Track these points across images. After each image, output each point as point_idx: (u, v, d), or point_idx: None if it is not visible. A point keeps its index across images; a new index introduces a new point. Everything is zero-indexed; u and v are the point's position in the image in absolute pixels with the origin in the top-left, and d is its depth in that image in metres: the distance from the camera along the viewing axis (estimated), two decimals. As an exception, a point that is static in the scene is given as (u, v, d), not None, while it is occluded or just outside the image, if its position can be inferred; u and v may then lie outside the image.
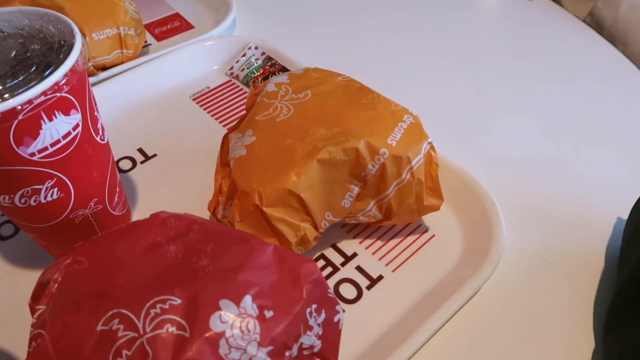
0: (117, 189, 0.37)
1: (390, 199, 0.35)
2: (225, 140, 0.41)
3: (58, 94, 0.28)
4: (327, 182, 0.34)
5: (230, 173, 0.35)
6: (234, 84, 0.54)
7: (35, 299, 0.28)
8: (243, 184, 0.34)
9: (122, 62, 0.53)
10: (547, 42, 0.60)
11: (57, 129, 0.29)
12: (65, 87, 0.29)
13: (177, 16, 0.64)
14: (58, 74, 0.28)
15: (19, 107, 0.27)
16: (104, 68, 0.52)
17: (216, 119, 0.50)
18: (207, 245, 0.27)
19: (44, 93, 0.27)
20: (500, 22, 0.64)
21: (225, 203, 0.36)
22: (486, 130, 0.49)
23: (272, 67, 0.53)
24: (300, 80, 0.40)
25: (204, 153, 0.46)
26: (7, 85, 0.28)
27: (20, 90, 0.27)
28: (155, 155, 0.46)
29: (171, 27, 0.62)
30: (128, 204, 0.41)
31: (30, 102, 0.27)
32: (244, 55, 0.55)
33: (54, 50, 0.30)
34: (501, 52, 0.59)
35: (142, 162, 0.46)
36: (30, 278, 0.38)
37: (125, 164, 0.46)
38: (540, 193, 0.42)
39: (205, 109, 0.51)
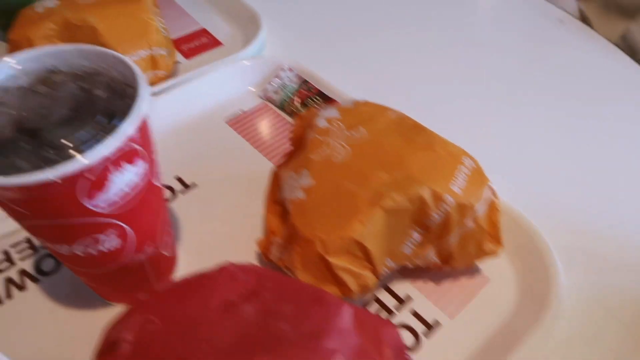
0: (168, 229, 0.37)
1: (451, 246, 0.34)
2: (275, 177, 0.40)
3: (127, 147, 0.27)
4: (390, 229, 0.33)
5: (289, 216, 0.35)
6: (269, 107, 0.53)
7: (103, 357, 0.27)
8: (305, 230, 0.33)
9: (155, 84, 0.52)
10: (579, 67, 0.59)
11: (124, 180, 0.28)
12: (135, 138, 0.28)
13: (204, 32, 0.62)
14: (130, 129, 0.27)
15: (89, 164, 0.26)
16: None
17: (254, 144, 0.49)
18: (285, 306, 0.27)
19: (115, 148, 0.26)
20: (531, 45, 0.63)
21: (282, 246, 0.35)
22: (531, 165, 0.48)
23: (308, 90, 0.52)
24: (351, 116, 0.39)
25: (247, 183, 0.45)
26: (75, 138, 0.26)
27: (90, 145, 0.26)
28: (194, 184, 0.45)
29: (199, 43, 0.60)
30: (175, 241, 0.40)
31: (101, 158, 0.26)
32: (278, 77, 0.54)
33: (118, 95, 0.29)
34: (533, 79, 0.58)
35: (182, 192, 0.45)
36: (74, 317, 0.37)
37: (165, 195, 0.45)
38: (596, 233, 0.42)
39: (241, 134, 0.50)
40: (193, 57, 0.59)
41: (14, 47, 0.48)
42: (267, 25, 0.59)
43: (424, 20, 0.66)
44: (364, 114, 0.39)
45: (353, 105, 0.41)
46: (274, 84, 0.53)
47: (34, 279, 0.40)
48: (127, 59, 0.30)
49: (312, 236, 0.33)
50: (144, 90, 0.28)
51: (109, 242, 0.30)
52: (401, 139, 0.37)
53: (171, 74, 0.54)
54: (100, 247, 0.30)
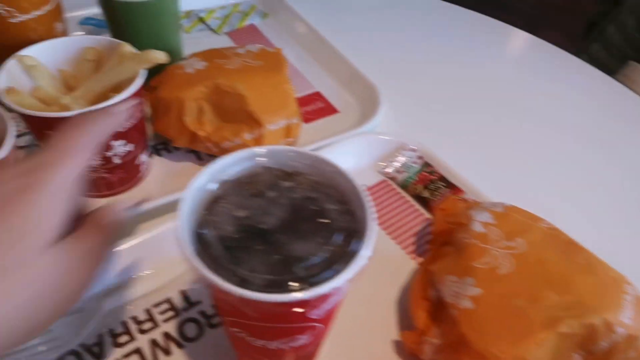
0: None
1: (610, 371, 0.35)
2: (425, 273, 0.41)
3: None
4: (557, 351, 0.34)
5: (457, 324, 0.36)
6: (390, 185, 0.54)
7: None
8: (477, 343, 0.34)
9: (284, 150, 0.53)
10: None
11: (342, 293, 0.29)
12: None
13: (318, 96, 0.64)
14: (366, 254, 0.28)
15: (328, 291, 0.26)
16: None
17: (379, 224, 0.50)
18: None
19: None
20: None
21: (439, 349, 0.36)
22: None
23: (430, 174, 0.54)
24: (506, 223, 0.41)
25: (377, 265, 0.45)
26: (310, 257, 0.27)
27: (325, 268, 0.27)
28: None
29: (315, 107, 0.62)
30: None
31: (339, 285, 0.27)
32: (401, 155, 0.55)
33: (343, 211, 0.30)
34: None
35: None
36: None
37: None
38: None
39: (366, 211, 0.51)
40: (311, 121, 0.60)
41: (163, 105, 0.50)
42: (384, 95, 0.61)
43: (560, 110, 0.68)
44: (518, 222, 0.41)
45: (504, 211, 0.42)
46: (396, 163, 0.55)
47: (178, 344, 0.41)
48: (347, 174, 0.31)
49: (485, 352, 0.34)
50: (371, 212, 0.29)
51: (304, 339, 0.32)
52: (561, 257, 0.38)
53: (297, 139, 0.55)
54: (294, 344, 0.32)
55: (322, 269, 0.27)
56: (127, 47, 0.46)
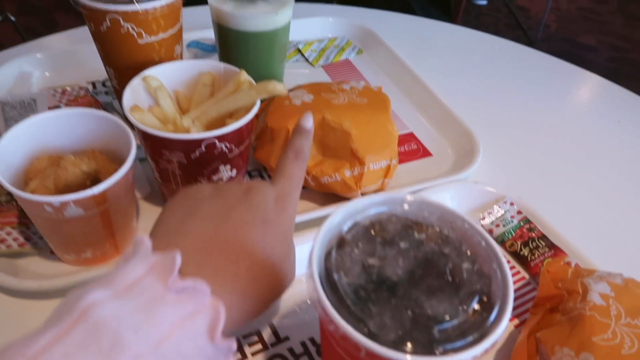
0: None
1: None
2: (532, 340, 0.39)
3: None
4: None
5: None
6: (486, 237, 0.52)
7: None
8: None
9: (380, 190, 0.53)
10: None
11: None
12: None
13: (412, 137, 0.63)
14: (504, 325, 0.26)
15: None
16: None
17: (474, 278, 0.48)
18: None
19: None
20: None
21: None
22: None
23: (530, 231, 0.51)
24: (627, 298, 0.38)
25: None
26: (448, 328, 0.26)
27: (462, 342, 0.25)
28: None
29: (409, 149, 0.61)
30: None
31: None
32: (499, 208, 0.53)
33: (478, 272, 0.29)
34: None
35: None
36: None
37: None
38: None
39: (460, 263, 0.49)
40: (404, 162, 0.59)
41: (269, 134, 0.51)
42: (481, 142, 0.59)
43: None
44: (638, 297, 0.38)
45: (624, 283, 0.39)
46: (493, 215, 0.53)
47: (267, 379, 0.40)
48: (483, 232, 0.30)
49: None
50: (511, 279, 0.28)
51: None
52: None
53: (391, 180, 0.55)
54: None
55: (456, 335, 0.26)
56: (245, 76, 0.47)
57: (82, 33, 0.76)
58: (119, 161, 0.45)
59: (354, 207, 0.30)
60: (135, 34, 0.49)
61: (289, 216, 0.33)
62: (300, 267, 0.47)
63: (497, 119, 0.70)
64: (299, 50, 0.75)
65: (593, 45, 2.63)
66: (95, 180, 0.44)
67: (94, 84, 0.66)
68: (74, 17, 2.41)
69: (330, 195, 0.53)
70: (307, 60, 0.74)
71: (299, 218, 0.50)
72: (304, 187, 0.54)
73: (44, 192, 0.41)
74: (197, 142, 0.43)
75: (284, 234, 0.33)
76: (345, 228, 0.30)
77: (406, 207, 0.31)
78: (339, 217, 0.30)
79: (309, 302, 0.45)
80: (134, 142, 0.42)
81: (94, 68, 0.67)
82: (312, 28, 0.78)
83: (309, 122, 0.36)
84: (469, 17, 2.78)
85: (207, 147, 0.43)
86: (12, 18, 1.57)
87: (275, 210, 0.32)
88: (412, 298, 0.27)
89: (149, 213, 0.51)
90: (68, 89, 0.61)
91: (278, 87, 0.44)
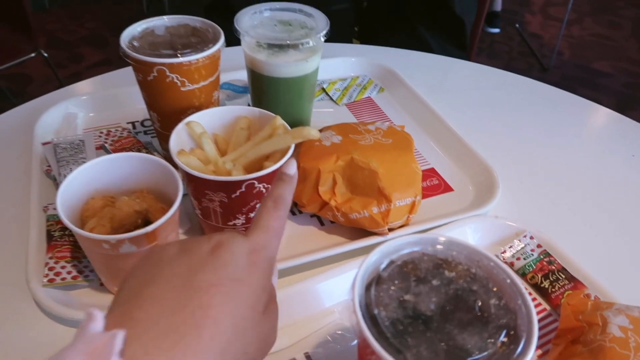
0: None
1: None
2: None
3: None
4: None
5: None
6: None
7: None
8: None
9: (404, 225, 0.56)
10: None
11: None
12: None
13: (434, 172, 0.66)
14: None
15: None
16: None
17: (497, 310, 0.50)
18: None
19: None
20: None
21: None
22: None
23: (550, 264, 0.54)
24: (645, 331, 0.40)
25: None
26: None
27: None
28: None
29: (431, 184, 0.65)
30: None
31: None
32: (518, 241, 0.56)
33: (504, 307, 0.31)
34: None
35: None
36: None
37: None
38: None
39: (483, 294, 0.52)
40: (427, 197, 0.63)
41: (301, 173, 0.54)
42: (501, 178, 0.62)
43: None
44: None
45: (642, 317, 0.42)
46: (513, 249, 0.56)
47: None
48: (508, 270, 0.33)
49: None
50: (535, 315, 0.31)
51: None
52: None
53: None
54: None
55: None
56: (280, 121, 0.51)
57: (120, 76, 0.82)
58: (164, 199, 0.49)
59: (389, 247, 0.34)
60: (179, 83, 0.54)
61: (261, 272, 0.30)
62: (332, 299, 0.50)
63: (514, 153, 0.73)
64: (324, 90, 0.79)
65: (607, 71, 2.65)
66: (145, 217, 0.48)
67: (133, 124, 0.70)
68: (98, 52, 2.52)
69: (357, 230, 0.56)
70: (331, 98, 0.78)
71: (329, 252, 0.53)
72: (333, 222, 0.58)
73: (102, 230, 0.45)
74: (239, 184, 0.46)
75: (256, 292, 0.29)
76: (382, 267, 0.33)
77: (437, 247, 0.34)
78: (375, 256, 0.33)
79: (339, 333, 0.48)
80: (181, 184, 0.46)
81: (133, 109, 0.72)
82: (335, 67, 0.83)
83: (292, 168, 0.34)
84: (482, 45, 2.83)
85: (246, 187, 0.47)
86: (45, 54, 1.65)
87: (247, 267, 0.29)
88: (445, 331, 0.30)
89: (188, 247, 0.55)
90: (112, 130, 0.66)
91: (312, 133, 0.47)
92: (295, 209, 0.60)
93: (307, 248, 0.55)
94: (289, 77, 0.59)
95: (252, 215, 0.50)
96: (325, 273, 0.51)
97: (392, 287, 0.32)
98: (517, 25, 2.99)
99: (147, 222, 0.45)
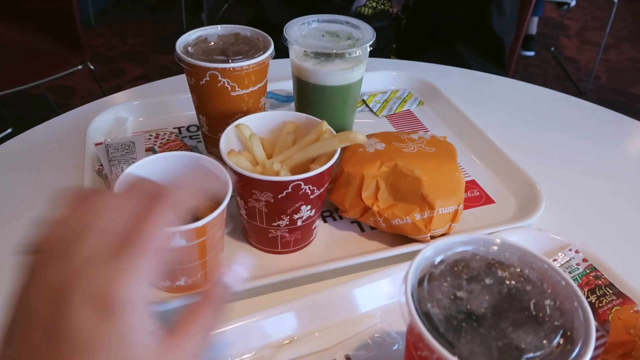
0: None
1: None
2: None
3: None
4: None
5: None
6: (551, 283, 0.54)
7: None
8: None
9: (446, 234, 0.56)
10: None
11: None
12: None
13: (475, 184, 0.66)
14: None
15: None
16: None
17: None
18: None
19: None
20: None
21: None
22: None
23: (596, 279, 0.53)
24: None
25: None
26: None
27: None
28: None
29: (472, 195, 0.64)
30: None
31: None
32: (563, 255, 0.55)
33: (558, 309, 0.31)
34: None
35: None
36: None
37: None
38: None
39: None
40: (468, 209, 0.62)
41: (345, 178, 0.55)
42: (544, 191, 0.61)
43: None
44: None
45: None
46: (558, 262, 0.55)
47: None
48: (562, 273, 0.33)
49: None
50: (592, 317, 0.30)
51: None
52: None
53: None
54: None
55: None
56: (326, 126, 0.53)
57: (168, 85, 0.85)
58: (213, 198, 0.50)
59: (442, 244, 0.34)
60: (229, 88, 0.55)
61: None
62: (373, 302, 0.50)
63: (556, 167, 0.72)
64: (364, 102, 0.80)
65: (645, 96, 2.60)
66: (193, 215, 0.49)
67: (179, 130, 0.73)
68: (138, 67, 2.61)
69: (398, 238, 0.56)
70: (371, 110, 0.79)
71: (371, 257, 0.54)
72: (373, 229, 0.58)
73: None
74: (286, 184, 0.47)
75: None
76: (435, 262, 0.33)
77: (490, 247, 0.34)
78: (429, 251, 0.33)
79: (379, 337, 0.48)
80: (230, 183, 0.47)
81: (179, 115, 0.75)
82: (376, 81, 0.84)
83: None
84: (517, 67, 2.82)
85: (293, 188, 0.48)
86: (92, 67, 1.72)
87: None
88: (499, 329, 0.30)
89: (230, 247, 0.56)
90: (160, 133, 0.68)
91: (359, 137, 0.48)
92: (336, 215, 0.61)
93: (348, 253, 0.55)
94: (335, 85, 0.61)
95: (296, 216, 0.51)
96: (367, 277, 0.51)
97: (445, 284, 0.32)
98: (553, 49, 2.97)
99: (196, 219, 0.46)
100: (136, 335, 0.25)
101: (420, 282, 0.32)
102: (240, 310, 0.46)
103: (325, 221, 0.60)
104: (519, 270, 0.33)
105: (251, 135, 0.52)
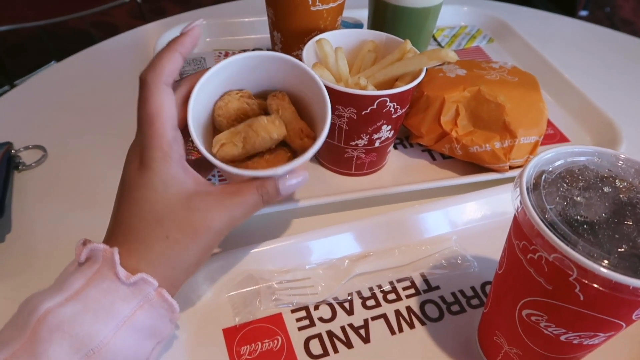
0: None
1: None
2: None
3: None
4: None
5: None
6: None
7: None
8: None
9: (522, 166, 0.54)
10: None
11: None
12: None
13: (548, 123, 0.64)
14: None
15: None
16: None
17: None
18: None
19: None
20: None
21: None
22: None
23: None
24: None
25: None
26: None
27: None
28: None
29: (546, 133, 0.62)
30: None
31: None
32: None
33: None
34: None
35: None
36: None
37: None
38: None
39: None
40: (543, 145, 0.60)
41: (424, 102, 0.54)
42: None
43: None
44: None
45: None
46: None
47: (421, 321, 0.43)
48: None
49: None
50: None
51: (600, 339, 0.32)
52: None
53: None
54: (589, 341, 0.32)
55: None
56: (409, 45, 0.51)
57: (233, 8, 0.84)
58: (301, 105, 0.43)
59: (564, 150, 0.33)
60: (310, 1, 0.54)
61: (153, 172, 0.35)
62: (449, 226, 0.50)
63: (635, 109, 0.69)
64: (433, 36, 0.77)
65: None
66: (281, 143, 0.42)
67: (245, 51, 0.72)
68: (179, 6, 2.57)
69: (470, 167, 0.55)
70: (439, 44, 0.77)
71: (444, 183, 0.53)
72: (445, 158, 0.57)
73: (232, 149, 0.41)
74: (372, 99, 0.46)
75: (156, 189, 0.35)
76: (555, 165, 0.32)
77: (614, 162, 0.33)
78: (551, 154, 0.33)
79: (454, 259, 0.48)
80: (329, 104, 0.40)
81: (246, 38, 0.74)
82: (445, 15, 0.80)
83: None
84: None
85: (378, 105, 0.47)
86: (139, 0, 1.71)
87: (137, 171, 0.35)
88: (622, 233, 0.29)
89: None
90: (230, 52, 0.68)
91: (450, 54, 0.47)
92: (407, 142, 0.60)
93: (420, 179, 0.55)
94: (414, 7, 0.58)
95: (375, 136, 0.50)
96: (442, 201, 0.50)
97: (564, 186, 0.31)
98: (608, 9, 2.81)
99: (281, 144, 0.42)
100: (166, 185, 0.34)
101: (536, 185, 0.32)
102: (314, 225, 0.47)
103: (395, 148, 0.59)
104: (637, 183, 0.32)
105: (337, 48, 0.50)
